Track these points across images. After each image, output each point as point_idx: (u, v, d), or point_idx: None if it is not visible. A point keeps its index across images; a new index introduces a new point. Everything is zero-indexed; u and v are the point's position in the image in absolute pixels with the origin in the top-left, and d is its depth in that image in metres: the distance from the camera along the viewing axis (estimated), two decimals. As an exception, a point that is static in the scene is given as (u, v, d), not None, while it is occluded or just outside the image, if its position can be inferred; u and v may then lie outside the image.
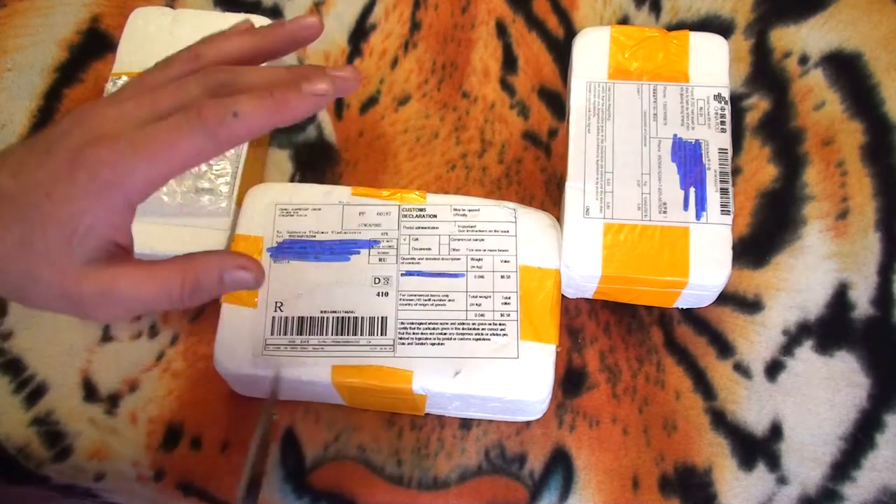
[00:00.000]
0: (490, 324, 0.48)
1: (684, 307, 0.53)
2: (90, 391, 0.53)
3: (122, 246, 0.36)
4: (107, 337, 0.54)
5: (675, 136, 0.52)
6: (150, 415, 0.52)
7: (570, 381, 0.52)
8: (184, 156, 0.34)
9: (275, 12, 0.62)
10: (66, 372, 0.53)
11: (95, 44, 0.61)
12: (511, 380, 0.47)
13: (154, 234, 0.51)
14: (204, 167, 0.52)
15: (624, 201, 0.51)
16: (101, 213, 0.34)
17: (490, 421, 0.51)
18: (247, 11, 0.58)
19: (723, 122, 0.52)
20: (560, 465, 0.50)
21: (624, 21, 0.61)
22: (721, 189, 0.51)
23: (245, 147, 0.53)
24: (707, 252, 0.49)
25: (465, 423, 0.51)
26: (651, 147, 0.52)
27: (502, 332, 0.48)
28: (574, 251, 0.50)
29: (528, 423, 0.51)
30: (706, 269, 0.49)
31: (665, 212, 0.50)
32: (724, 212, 0.50)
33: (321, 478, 0.51)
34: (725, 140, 0.52)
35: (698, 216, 0.50)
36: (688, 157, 0.51)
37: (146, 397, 0.52)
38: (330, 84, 0.36)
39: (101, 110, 0.35)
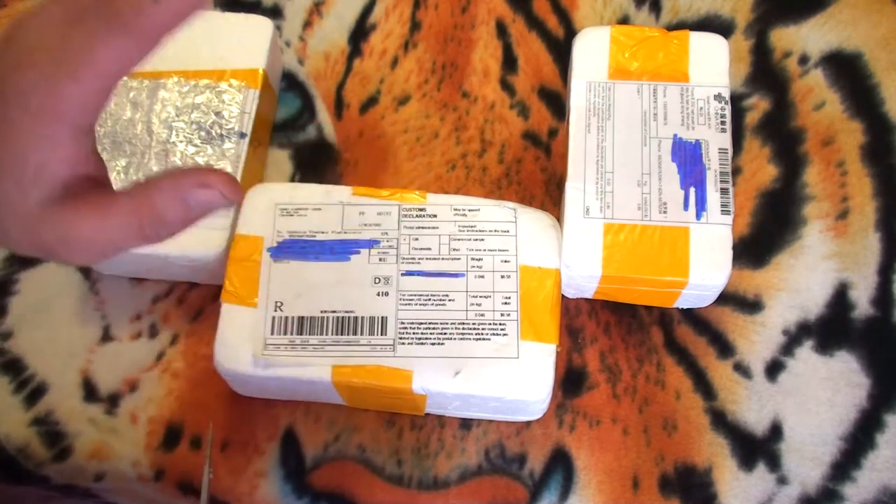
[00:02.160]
0: (490, 324, 0.48)
1: (684, 307, 0.53)
2: (90, 391, 0.53)
3: (91, 177, 0.32)
4: (107, 337, 0.54)
5: (675, 136, 0.52)
6: (150, 415, 0.52)
7: (570, 381, 0.52)
8: (105, 64, 0.29)
9: (275, 12, 0.62)
10: (66, 372, 0.53)
11: (95, 44, 0.61)
12: (511, 380, 0.47)
13: None
14: (203, 166, 0.52)
15: (624, 201, 0.51)
16: (44, 148, 0.30)
17: (490, 421, 0.51)
18: (247, 11, 0.58)
19: (723, 122, 0.52)
20: (560, 465, 0.50)
21: (624, 21, 0.61)
22: (721, 189, 0.51)
23: (245, 147, 0.53)
24: (707, 252, 0.49)
25: (465, 423, 0.51)
26: (651, 147, 0.52)
27: (502, 332, 0.48)
28: (574, 251, 0.50)
29: (528, 423, 0.51)
30: (706, 269, 0.49)
31: (665, 212, 0.50)
32: (725, 212, 0.50)
33: (321, 478, 0.51)
34: (726, 140, 0.52)
35: (698, 216, 0.50)
36: (688, 157, 0.51)
37: (146, 397, 0.52)
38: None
39: (25, 21, 0.30)
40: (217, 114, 0.54)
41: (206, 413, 0.52)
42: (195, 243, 0.51)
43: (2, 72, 0.30)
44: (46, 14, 0.30)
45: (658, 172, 0.51)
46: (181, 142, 0.53)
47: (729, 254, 0.50)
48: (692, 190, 0.51)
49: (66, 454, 0.51)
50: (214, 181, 0.32)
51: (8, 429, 0.52)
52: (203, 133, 0.53)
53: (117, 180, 0.52)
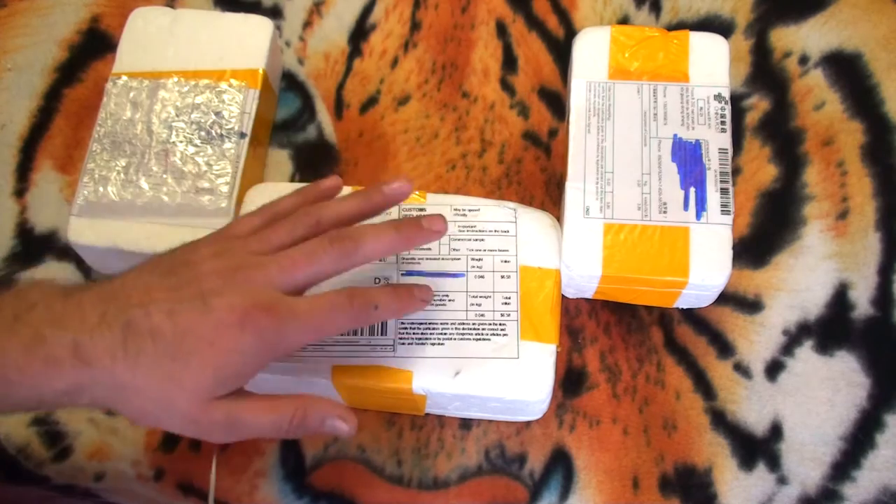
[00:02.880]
0: (490, 324, 0.48)
1: (684, 307, 0.53)
2: (90, 391, 0.53)
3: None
4: (107, 337, 0.54)
5: (675, 136, 0.52)
6: (150, 415, 0.52)
7: (570, 381, 0.52)
8: (331, 331, 0.41)
9: (275, 12, 0.62)
10: (66, 372, 0.53)
11: (95, 44, 0.61)
12: (511, 380, 0.47)
13: (154, 234, 0.51)
14: (204, 167, 0.52)
15: (624, 201, 0.51)
16: (254, 366, 0.39)
17: (490, 421, 0.51)
18: (247, 11, 0.58)
19: (723, 122, 0.52)
20: (560, 465, 0.50)
21: (624, 21, 0.61)
22: (721, 189, 0.51)
23: (245, 147, 0.53)
24: (707, 252, 0.49)
25: (465, 423, 0.51)
26: (651, 147, 0.52)
27: (502, 332, 0.48)
28: (574, 251, 0.50)
29: (528, 423, 0.51)
30: (706, 270, 0.49)
31: (665, 212, 0.50)
32: (725, 212, 0.50)
33: (321, 478, 0.51)
34: (726, 140, 0.52)
35: (698, 216, 0.50)
36: (688, 157, 0.51)
37: (146, 397, 0.52)
38: (432, 234, 0.44)
39: (246, 261, 0.40)
40: (217, 114, 0.54)
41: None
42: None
43: (241, 305, 0.38)
44: (267, 271, 0.40)
45: (658, 172, 0.51)
46: (181, 142, 0.53)
47: (729, 254, 0.50)
48: (692, 190, 0.51)
49: (66, 454, 0.51)
50: (349, 419, 0.41)
51: (8, 429, 0.52)
52: (203, 133, 0.53)
53: (117, 180, 0.52)
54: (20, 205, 0.57)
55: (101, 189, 0.52)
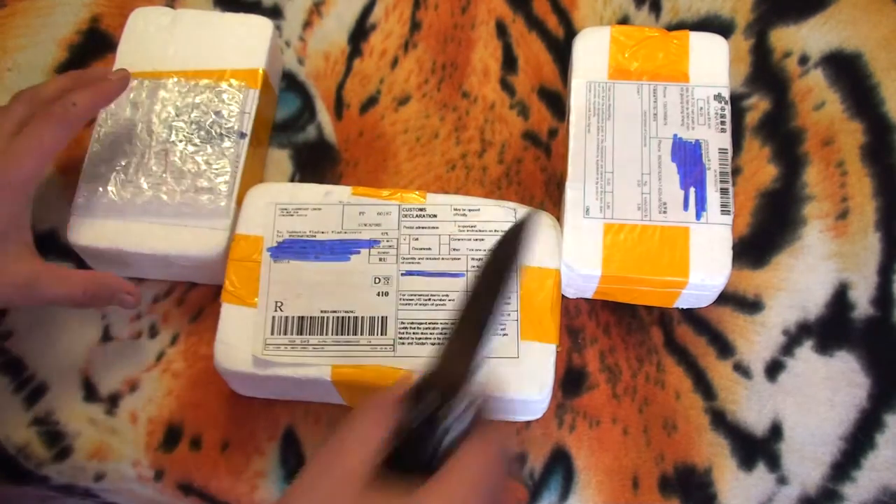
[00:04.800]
0: None
1: (685, 307, 0.53)
2: (90, 391, 0.53)
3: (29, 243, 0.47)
4: (107, 337, 0.54)
5: (675, 136, 0.52)
6: (150, 415, 0.52)
7: (570, 381, 0.52)
8: (50, 146, 0.47)
9: (275, 12, 0.62)
10: (66, 372, 0.53)
11: (95, 44, 0.61)
12: (511, 379, 0.47)
13: (154, 234, 0.51)
14: (203, 167, 0.52)
15: (624, 201, 0.51)
16: (11, 207, 0.45)
17: (490, 421, 0.51)
18: (246, 11, 0.58)
19: (723, 122, 0.52)
20: (560, 465, 0.50)
21: (624, 21, 0.61)
22: (721, 189, 0.51)
23: (245, 146, 0.53)
24: (707, 252, 0.49)
25: (465, 423, 0.51)
26: (651, 147, 0.52)
27: (502, 332, 0.48)
28: (574, 251, 0.50)
29: (527, 423, 0.51)
30: (706, 270, 0.49)
31: (665, 212, 0.50)
32: (724, 212, 0.50)
33: (321, 478, 0.51)
34: (725, 140, 0.52)
35: (698, 216, 0.50)
36: (688, 157, 0.51)
37: (146, 397, 0.52)
38: (123, 75, 0.51)
39: None
40: (217, 113, 0.54)
41: (206, 413, 0.52)
42: (196, 243, 0.51)
43: None
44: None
45: (658, 172, 0.51)
46: (181, 141, 0.53)
47: (729, 254, 0.50)
48: (692, 190, 0.51)
49: (66, 454, 0.51)
50: (136, 294, 0.50)
51: (8, 429, 0.52)
52: (203, 133, 0.53)
53: (117, 180, 0.52)
54: (20, 205, 0.57)
55: (100, 189, 0.52)
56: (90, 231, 0.51)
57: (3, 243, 0.45)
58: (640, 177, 0.51)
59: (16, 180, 0.46)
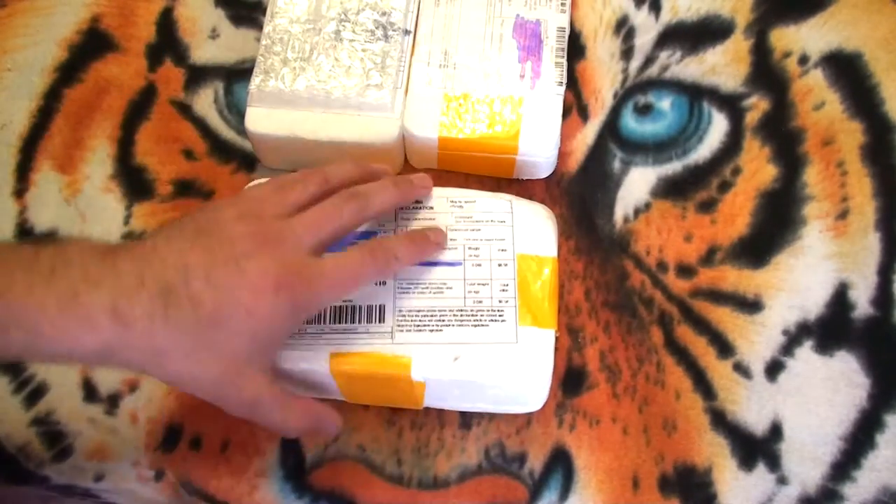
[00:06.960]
0: (488, 310, 0.48)
1: (524, 178, 0.56)
2: (90, 391, 0.53)
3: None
4: (107, 337, 0.54)
5: (517, 15, 0.56)
6: (150, 415, 0.52)
7: (570, 381, 0.52)
8: (357, 286, 0.44)
9: (275, 12, 0.62)
10: (66, 372, 0.53)
11: (95, 44, 0.61)
12: (510, 365, 0.47)
13: (329, 123, 0.54)
14: (370, 64, 0.55)
15: (465, 73, 0.55)
16: (288, 329, 0.42)
17: (490, 420, 0.51)
18: (247, 11, 0.58)
19: (563, 3, 0.57)
20: (560, 464, 0.51)
21: (624, 21, 0.61)
22: (556, 63, 0.55)
23: (409, 44, 0.55)
24: (537, 121, 0.53)
25: (465, 423, 0.51)
26: (494, 25, 0.56)
27: (500, 319, 0.48)
28: (415, 118, 0.53)
29: (528, 423, 0.51)
30: (535, 138, 0.53)
31: (501, 83, 0.54)
32: (558, 83, 0.54)
33: (321, 477, 0.51)
34: (565, 20, 0.56)
35: (533, 86, 0.54)
36: (528, 34, 0.55)
37: (146, 397, 0.52)
38: (422, 189, 0.51)
39: (272, 225, 0.42)
40: (384, 13, 0.56)
41: (205, 413, 0.52)
42: (369, 131, 0.54)
43: (274, 270, 0.40)
44: (294, 232, 0.42)
45: (499, 48, 0.55)
46: (349, 39, 0.55)
47: (558, 123, 0.53)
48: (528, 63, 0.54)
49: (66, 454, 0.51)
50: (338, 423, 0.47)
51: (8, 429, 0.52)
52: (370, 31, 0.55)
53: (283, 73, 0.54)
54: (20, 205, 0.57)
55: (272, 81, 0.54)
56: (266, 120, 0.53)
57: (248, 366, 0.41)
58: (481, 52, 0.55)
59: (314, 302, 0.42)
